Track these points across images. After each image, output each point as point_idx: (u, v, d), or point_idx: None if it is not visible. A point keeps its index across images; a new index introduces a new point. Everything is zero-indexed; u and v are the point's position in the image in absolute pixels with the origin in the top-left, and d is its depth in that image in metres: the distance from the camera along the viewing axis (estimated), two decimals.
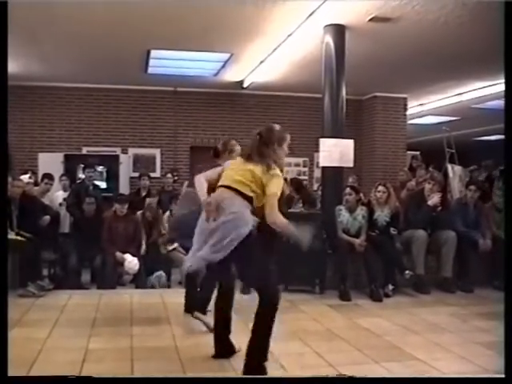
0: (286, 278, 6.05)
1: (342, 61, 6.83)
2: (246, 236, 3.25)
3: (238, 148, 4.39)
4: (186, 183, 7.82)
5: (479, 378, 3.49)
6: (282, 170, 3.44)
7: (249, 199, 3.33)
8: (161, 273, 6.82)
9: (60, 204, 7.85)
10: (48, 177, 7.83)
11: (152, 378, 3.31)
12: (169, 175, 9.26)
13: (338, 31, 6.78)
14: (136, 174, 9.98)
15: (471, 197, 6.83)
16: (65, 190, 8.13)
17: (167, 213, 7.38)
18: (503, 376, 2.74)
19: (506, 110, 3.17)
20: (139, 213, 7.46)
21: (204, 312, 4.46)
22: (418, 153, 11.61)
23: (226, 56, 8.48)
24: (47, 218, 6.70)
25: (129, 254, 6.65)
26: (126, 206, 7.02)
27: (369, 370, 3.63)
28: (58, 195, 8.05)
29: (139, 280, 6.67)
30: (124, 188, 10.00)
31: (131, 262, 6.57)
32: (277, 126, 3.61)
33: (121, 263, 6.61)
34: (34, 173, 8.98)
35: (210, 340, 3.99)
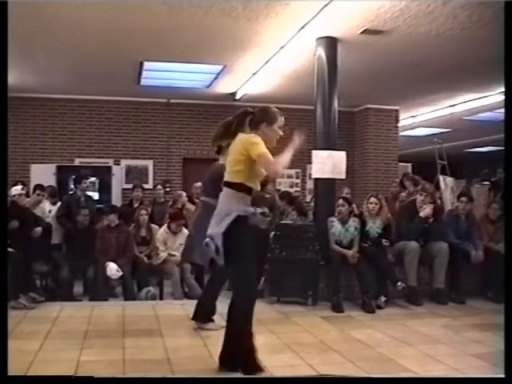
0: (279, 289, 6.06)
1: (334, 73, 6.87)
2: (232, 222, 3.33)
3: None
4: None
5: (479, 378, 3.49)
6: (269, 149, 3.37)
7: (231, 185, 3.43)
8: (149, 288, 6.77)
9: (49, 211, 7.82)
10: (40, 188, 7.79)
11: (151, 378, 3.30)
12: (159, 187, 9.19)
13: (330, 44, 6.83)
14: (128, 186, 9.92)
15: (463, 208, 6.85)
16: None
17: (163, 227, 7.32)
18: (503, 376, 2.75)
19: (505, 110, 3.21)
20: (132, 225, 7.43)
21: (208, 320, 4.66)
22: (409, 165, 11.63)
23: (218, 68, 8.51)
24: (39, 229, 6.66)
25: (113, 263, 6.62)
26: (116, 217, 7.00)
27: None
28: (45, 205, 8.02)
29: (127, 293, 6.65)
30: (116, 199, 9.98)
31: (112, 269, 6.54)
32: (271, 107, 3.64)
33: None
34: (25, 185, 8.92)
35: (203, 353, 3.98)
